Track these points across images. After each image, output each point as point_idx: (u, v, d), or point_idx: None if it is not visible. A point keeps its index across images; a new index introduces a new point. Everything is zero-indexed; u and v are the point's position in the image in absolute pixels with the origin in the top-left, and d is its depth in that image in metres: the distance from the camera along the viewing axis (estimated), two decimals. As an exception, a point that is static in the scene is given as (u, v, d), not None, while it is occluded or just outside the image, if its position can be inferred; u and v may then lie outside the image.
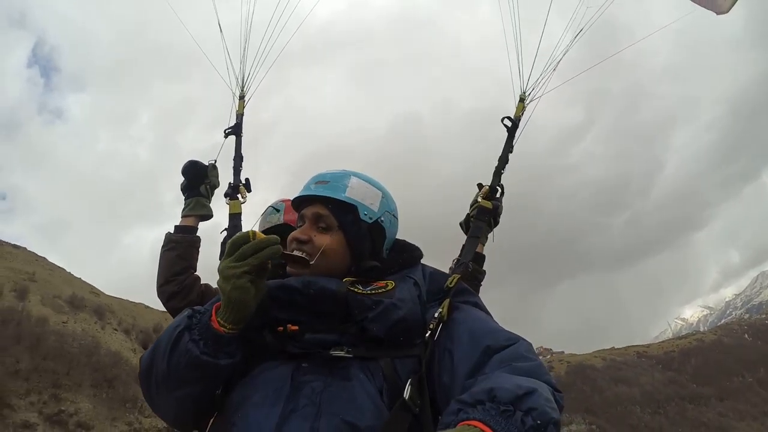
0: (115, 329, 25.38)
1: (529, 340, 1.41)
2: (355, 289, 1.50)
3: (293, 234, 1.63)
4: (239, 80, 2.88)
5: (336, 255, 1.62)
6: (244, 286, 1.34)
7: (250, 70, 2.86)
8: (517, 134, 2.59)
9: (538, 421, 1.05)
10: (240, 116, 2.85)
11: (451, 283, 1.62)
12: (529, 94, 2.63)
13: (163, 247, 2.57)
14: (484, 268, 2.55)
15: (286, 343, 1.42)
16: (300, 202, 1.70)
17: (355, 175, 1.73)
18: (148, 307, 29.53)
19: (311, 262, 1.54)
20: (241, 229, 2.43)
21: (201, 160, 2.71)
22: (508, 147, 2.55)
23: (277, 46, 2.81)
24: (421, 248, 1.82)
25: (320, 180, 1.70)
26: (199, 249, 2.61)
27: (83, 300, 25.64)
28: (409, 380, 1.36)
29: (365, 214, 1.68)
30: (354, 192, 1.68)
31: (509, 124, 2.56)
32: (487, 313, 1.61)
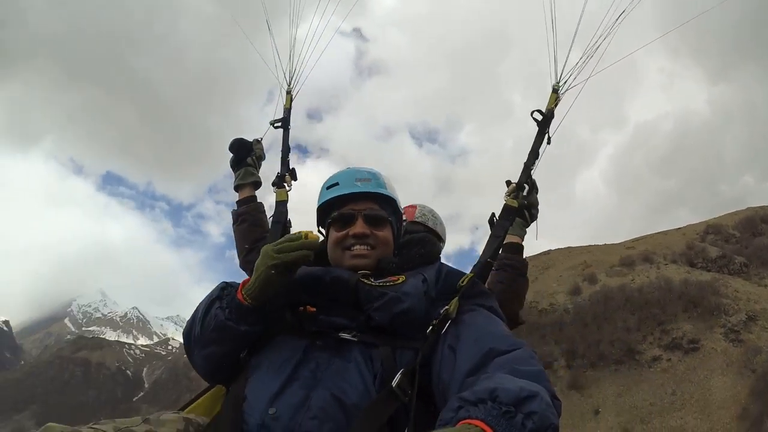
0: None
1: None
2: (366, 281, 1.65)
3: (354, 230, 1.78)
4: (287, 75, 2.98)
5: (389, 247, 1.85)
6: (269, 275, 1.56)
7: (296, 65, 2.95)
8: (550, 128, 2.41)
9: (539, 425, 1.05)
10: (287, 110, 2.96)
11: (463, 282, 1.67)
12: (564, 83, 2.42)
13: (233, 224, 2.76)
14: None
15: (304, 321, 1.61)
16: (345, 199, 1.84)
17: (378, 171, 1.95)
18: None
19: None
20: (286, 216, 2.56)
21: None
22: (539, 142, 2.39)
23: (322, 44, 2.88)
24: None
25: (361, 178, 1.87)
26: (266, 212, 2.76)
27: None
28: (401, 370, 1.44)
29: (399, 207, 1.95)
30: (390, 187, 1.92)
31: (539, 117, 2.40)
32: (501, 318, 1.64)
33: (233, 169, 2.87)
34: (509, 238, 2.47)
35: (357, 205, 1.82)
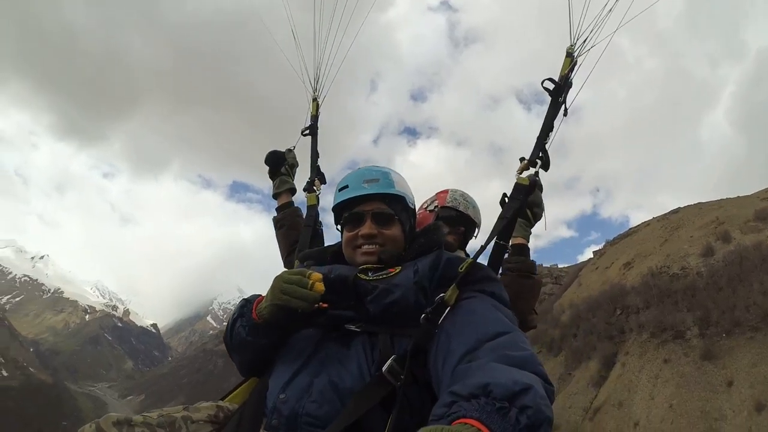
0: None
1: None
2: (362, 276, 1.75)
3: (362, 231, 1.87)
4: (312, 83, 3.04)
5: (398, 244, 1.91)
6: (274, 307, 1.67)
7: (322, 72, 3.01)
8: (566, 97, 2.22)
9: (533, 420, 1.05)
10: (314, 117, 3.07)
11: (461, 269, 1.67)
12: (579, 46, 2.20)
13: (275, 230, 2.93)
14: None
15: (318, 316, 1.71)
16: (354, 200, 1.92)
17: (391, 169, 2.01)
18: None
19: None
20: (315, 219, 2.69)
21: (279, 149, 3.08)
22: (552, 114, 2.24)
23: (343, 51, 2.90)
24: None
25: (369, 179, 1.94)
26: (302, 216, 2.86)
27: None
28: (393, 356, 1.53)
29: (410, 203, 2.01)
30: (399, 185, 1.97)
31: (551, 86, 2.22)
32: (505, 304, 1.63)
33: (271, 179, 3.05)
34: (513, 240, 2.38)
35: (366, 205, 1.90)
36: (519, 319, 2.21)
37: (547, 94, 2.24)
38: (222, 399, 1.95)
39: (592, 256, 39.23)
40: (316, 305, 1.67)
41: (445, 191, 2.92)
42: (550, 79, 2.23)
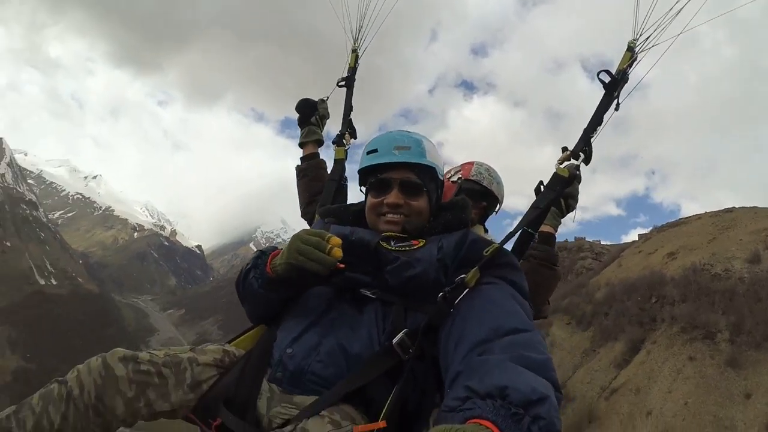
0: None
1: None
2: (384, 244, 1.73)
3: (388, 200, 1.84)
4: (354, 34, 2.98)
5: (424, 216, 1.88)
6: (289, 266, 1.67)
7: (365, 23, 2.92)
8: (621, 92, 2.15)
9: (544, 431, 1.05)
10: (351, 69, 3.01)
11: (487, 252, 1.63)
12: (642, 43, 2.13)
13: (296, 179, 2.93)
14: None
15: (333, 276, 1.69)
16: (381, 167, 1.87)
17: (423, 137, 1.93)
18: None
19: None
20: (341, 174, 2.66)
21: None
22: (604, 107, 2.16)
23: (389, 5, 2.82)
24: None
25: (400, 145, 1.86)
26: (326, 168, 2.85)
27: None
28: (405, 330, 1.53)
29: (440, 174, 1.96)
30: (431, 155, 1.90)
31: (607, 79, 2.15)
32: (524, 295, 1.59)
33: (300, 128, 3.02)
34: (542, 227, 2.31)
35: (394, 173, 1.85)
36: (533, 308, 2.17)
37: (602, 86, 2.17)
38: (229, 342, 1.93)
39: (636, 238, 39.25)
40: (336, 264, 1.64)
41: (471, 163, 2.84)
42: (607, 72, 2.16)
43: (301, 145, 3.01)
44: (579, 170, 2.21)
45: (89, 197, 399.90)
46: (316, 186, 2.78)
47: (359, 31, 2.96)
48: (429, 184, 1.88)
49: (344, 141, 2.81)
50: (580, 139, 2.16)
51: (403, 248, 1.72)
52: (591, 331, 27.75)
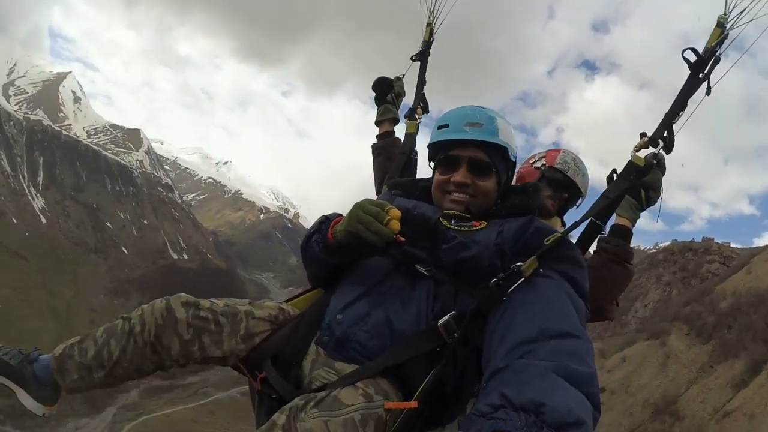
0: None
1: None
2: (444, 221, 1.71)
3: (455, 178, 1.77)
4: (429, 5, 2.93)
5: (491, 197, 1.81)
6: (348, 233, 1.64)
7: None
8: (710, 73, 1.96)
9: None
10: (425, 43, 2.96)
11: (547, 241, 1.56)
12: (735, 17, 1.95)
13: (372, 156, 2.91)
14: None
15: (391, 248, 1.65)
16: (450, 143, 1.80)
17: (497, 114, 1.84)
18: None
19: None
20: (412, 148, 2.68)
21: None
22: (689, 90, 1.99)
23: None
24: None
25: (472, 122, 1.78)
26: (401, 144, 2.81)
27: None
28: (452, 312, 1.50)
29: (512, 155, 1.85)
30: (504, 134, 1.80)
31: (693, 58, 1.97)
32: (583, 295, 1.51)
33: (376, 106, 2.99)
34: (618, 219, 2.18)
35: (464, 150, 1.78)
36: (597, 306, 2.01)
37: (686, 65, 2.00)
38: (286, 302, 1.95)
39: (771, 242, 32.88)
40: (395, 237, 1.60)
41: (557, 150, 2.65)
42: (693, 50, 1.98)
43: (377, 123, 2.99)
44: (659, 159, 2.07)
45: (220, 181, 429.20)
46: (390, 165, 2.72)
47: (434, 3, 2.92)
48: (499, 165, 1.81)
49: (416, 115, 2.82)
50: (660, 124, 2.01)
51: (462, 228, 1.68)
52: (711, 345, 26.37)
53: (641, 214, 2.20)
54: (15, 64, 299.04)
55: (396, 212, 1.60)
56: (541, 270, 1.50)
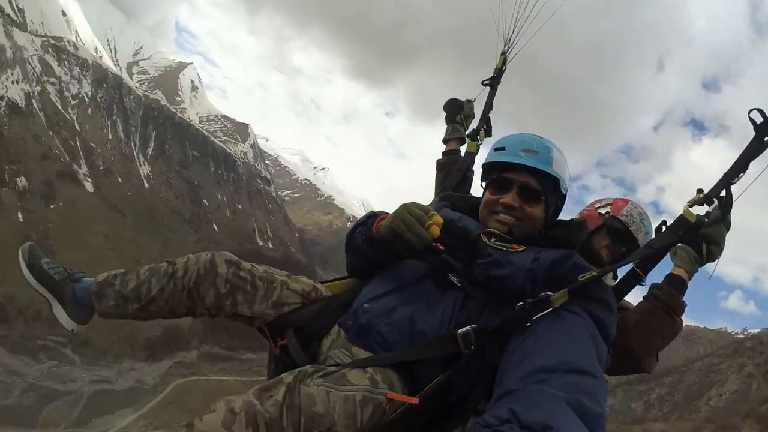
0: None
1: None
2: (484, 238, 1.75)
3: (504, 199, 1.80)
4: (506, 34, 2.99)
5: (536, 224, 1.83)
6: (391, 231, 1.68)
7: (518, 26, 2.92)
8: None
9: None
10: (497, 70, 3.06)
11: (582, 278, 1.55)
12: None
13: (436, 171, 3.01)
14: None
15: (430, 253, 1.70)
16: (504, 165, 1.83)
17: (554, 145, 1.86)
18: None
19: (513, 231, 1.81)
20: (469, 167, 2.79)
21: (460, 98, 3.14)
22: (752, 151, 1.89)
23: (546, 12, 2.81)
24: None
25: (528, 148, 1.81)
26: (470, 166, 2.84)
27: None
28: (474, 324, 1.53)
29: (563, 187, 1.87)
30: (557, 165, 1.83)
31: (759, 119, 1.85)
32: (607, 339, 1.50)
33: (447, 125, 3.12)
34: (674, 269, 2.07)
35: (516, 174, 1.81)
36: (636, 356, 2.03)
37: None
38: (322, 283, 2.02)
39: None
40: (433, 244, 1.65)
41: (626, 201, 2.55)
42: (760, 111, 1.87)
43: (445, 141, 3.09)
44: (724, 217, 1.96)
45: (315, 185, 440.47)
46: (450, 182, 2.80)
47: (511, 34, 2.98)
48: (549, 195, 1.83)
49: (478, 136, 2.92)
50: (718, 182, 1.94)
51: (500, 247, 1.70)
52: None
53: (698, 268, 2.05)
54: (141, 47, 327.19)
55: (438, 219, 1.64)
56: (570, 305, 1.49)
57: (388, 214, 1.77)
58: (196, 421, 1.35)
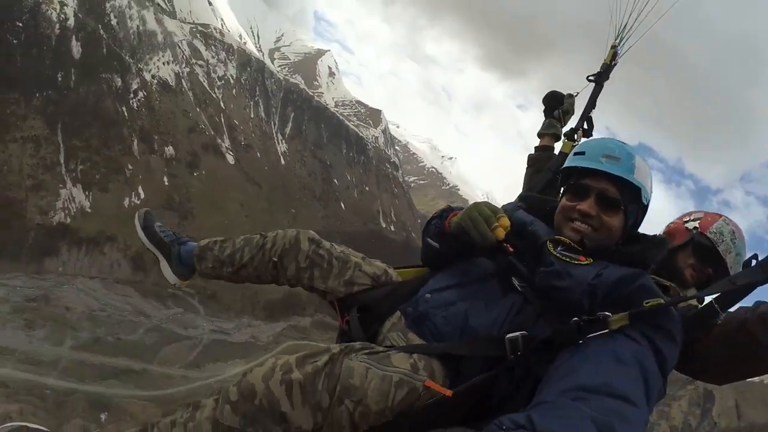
0: None
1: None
2: (550, 246, 1.69)
3: (581, 207, 1.73)
4: (618, 28, 2.84)
5: (613, 235, 1.75)
6: (460, 227, 1.72)
7: (631, 19, 2.79)
8: None
9: None
10: (605, 65, 2.94)
11: (647, 303, 1.44)
12: None
13: (526, 166, 2.94)
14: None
15: (498, 253, 1.74)
16: (584, 171, 1.76)
17: (637, 153, 1.76)
18: None
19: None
20: (559, 167, 2.47)
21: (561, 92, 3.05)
22: None
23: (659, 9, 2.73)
24: None
25: (609, 154, 1.73)
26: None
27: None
28: (523, 332, 1.51)
29: (645, 197, 1.78)
30: (640, 174, 1.74)
31: None
32: (663, 372, 1.40)
33: (544, 118, 3.03)
34: None
35: (596, 181, 1.74)
36: (715, 367, 1.85)
37: None
38: (395, 268, 2.07)
39: None
40: (503, 244, 1.68)
41: (718, 216, 2.30)
42: None
43: (540, 135, 3.02)
44: None
45: (441, 173, 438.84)
46: (538, 180, 2.74)
47: (624, 27, 2.80)
48: (629, 204, 1.75)
49: (575, 136, 2.82)
50: None
51: (564, 257, 1.64)
52: None
53: None
54: (282, 35, 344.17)
55: (506, 221, 1.64)
56: (629, 329, 1.39)
57: (462, 209, 1.78)
58: (248, 372, 1.50)
